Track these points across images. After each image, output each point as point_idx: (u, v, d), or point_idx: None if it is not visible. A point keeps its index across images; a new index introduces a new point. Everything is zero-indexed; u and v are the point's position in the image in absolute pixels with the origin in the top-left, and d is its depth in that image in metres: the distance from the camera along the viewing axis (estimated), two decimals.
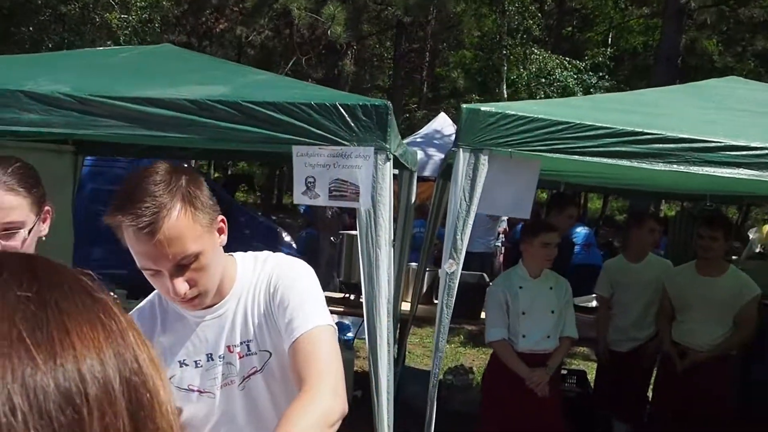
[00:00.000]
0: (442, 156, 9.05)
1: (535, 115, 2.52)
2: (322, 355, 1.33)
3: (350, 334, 6.65)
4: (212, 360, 1.48)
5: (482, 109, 2.54)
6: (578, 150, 2.50)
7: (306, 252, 8.85)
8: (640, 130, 2.48)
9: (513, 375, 3.47)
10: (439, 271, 2.66)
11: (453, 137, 10.40)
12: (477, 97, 15.88)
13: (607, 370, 4.46)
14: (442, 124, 9.83)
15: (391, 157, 2.45)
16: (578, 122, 2.50)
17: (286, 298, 1.43)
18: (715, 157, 2.45)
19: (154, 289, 1.48)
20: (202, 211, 1.34)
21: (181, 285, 1.32)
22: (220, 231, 1.41)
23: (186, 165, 3.21)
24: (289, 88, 2.73)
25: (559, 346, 3.55)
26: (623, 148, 2.48)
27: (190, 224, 1.30)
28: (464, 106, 2.57)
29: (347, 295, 5.31)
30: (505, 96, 15.38)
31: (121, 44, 10.50)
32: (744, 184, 3.23)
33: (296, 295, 1.43)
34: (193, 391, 1.49)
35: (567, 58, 16.29)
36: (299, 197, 2.51)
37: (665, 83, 7.07)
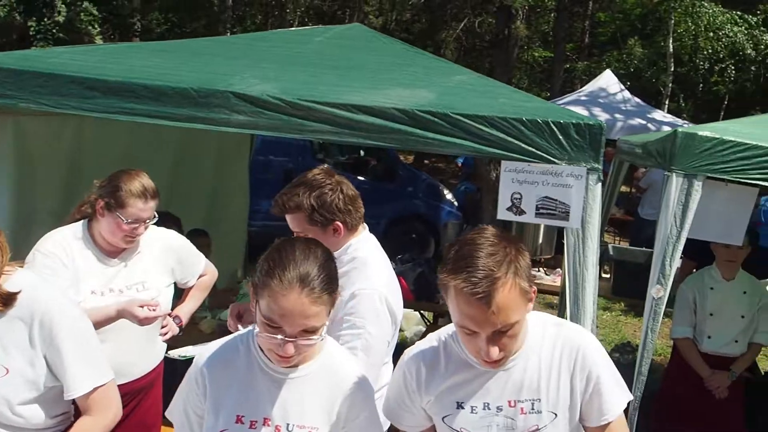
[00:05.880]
0: (608, 117, 8.58)
1: (755, 142, 2.44)
2: None
3: None
4: (488, 409, 1.56)
5: (699, 133, 2.46)
6: None
7: (465, 208, 8.83)
8: None
9: (696, 373, 3.41)
10: (649, 293, 2.55)
11: (618, 96, 9.89)
12: (640, 50, 14.90)
13: None
14: (608, 82, 9.32)
15: (602, 178, 2.36)
16: None
17: (601, 380, 1.55)
18: None
19: None
20: (525, 281, 1.42)
21: (495, 350, 1.42)
22: (530, 299, 1.48)
23: None
24: (495, 96, 2.66)
25: (746, 352, 3.43)
26: None
27: (517, 296, 1.40)
28: (680, 129, 2.51)
29: None
30: (671, 50, 14.37)
31: None
32: None
33: (605, 378, 1.56)
34: None
35: (738, 13, 14.84)
36: (503, 213, 2.48)
37: None
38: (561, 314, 3.55)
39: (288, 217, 2.12)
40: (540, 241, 5.03)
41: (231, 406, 1.56)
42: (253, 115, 2.62)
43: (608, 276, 5.21)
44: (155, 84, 2.67)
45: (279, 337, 1.43)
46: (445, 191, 8.58)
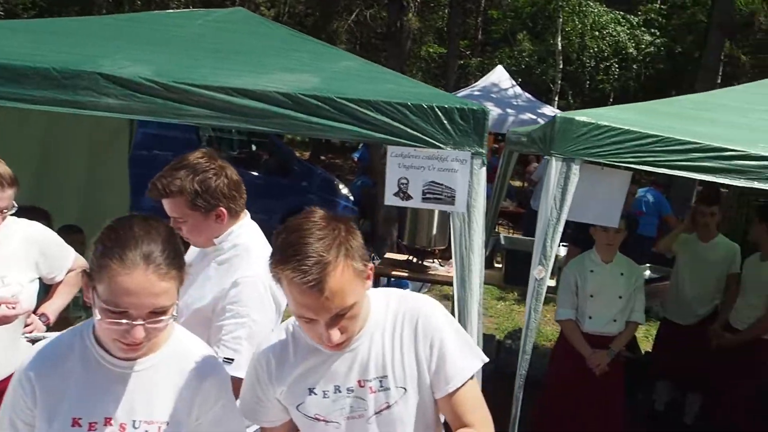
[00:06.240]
0: (500, 111, 8.87)
1: (627, 127, 2.55)
2: (480, 404, 1.52)
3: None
4: (339, 392, 1.52)
5: (576, 118, 2.53)
6: (666, 164, 2.56)
7: (361, 202, 8.83)
8: (725, 146, 2.53)
9: (579, 353, 3.56)
10: (531, 274, 2.61)
11: (510, 92, 10.41)
12: (530, 47, 15.69)
13: (668, 340, 4.51)
14: (500, 77, 9.63)
15: (486, 163, 2.38)
16: (668, 136, 2.56)
17: (444, 344, 1.49)
18: None
19: None
20: (359, 261, 1.38)
21: (335, 334, 1.38)
22: (368, 277, 1.44)
23: None
24: (382, 81, 2.62)
25: (624, 330, 3.61)
26: (708, 164, 2.55)
27: (350, 278, 1.35)
28: (558, 115, 2.57)
29: (411, 258, 5.30)
30: (560, 48, 15.25)
31: None
32: None
33: (450, 342, 1.50)
34: (318, 420, 1.53)
35: (621, 13, 16.04)
36: (391, 198, 2.45)
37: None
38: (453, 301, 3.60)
39: (166, 201, 2.00)
40: (434, 232, 5.07)
41: (66, 410, 1.41)
42: (124, 98, 2.46)
43: (501, 266, 5.33)
44: (12, 64, 2.45)
45: (124, 321, 1.30)
46: (341, 186, 8.53)
